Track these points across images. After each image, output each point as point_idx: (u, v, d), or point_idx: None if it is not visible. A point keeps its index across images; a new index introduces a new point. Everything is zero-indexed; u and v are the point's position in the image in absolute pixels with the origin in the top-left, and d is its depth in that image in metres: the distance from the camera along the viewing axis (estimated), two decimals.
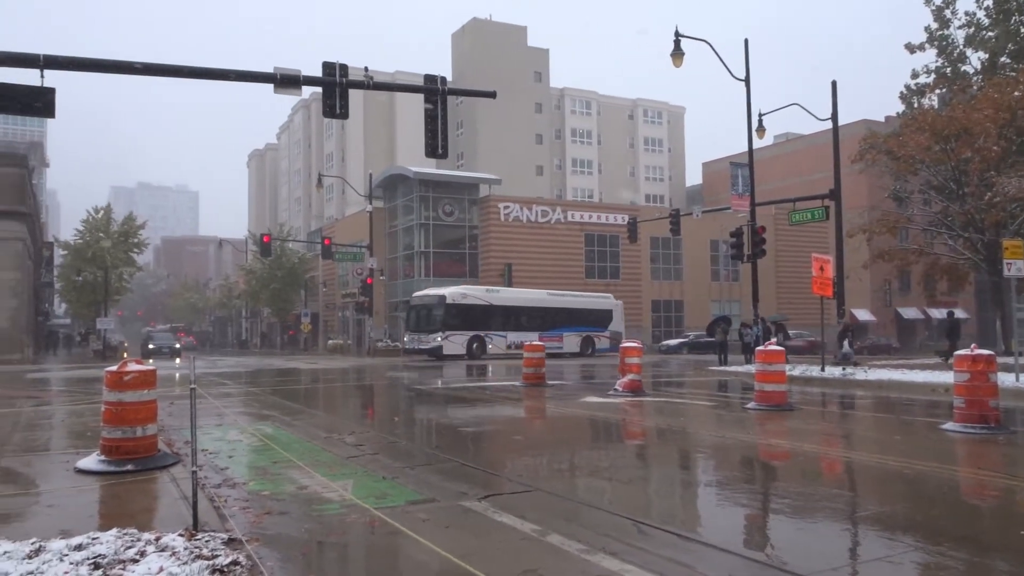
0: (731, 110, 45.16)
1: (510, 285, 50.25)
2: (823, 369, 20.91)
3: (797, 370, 20.78)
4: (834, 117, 25.84)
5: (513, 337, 37.45)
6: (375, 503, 6.08)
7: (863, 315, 57.76)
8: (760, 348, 13.75)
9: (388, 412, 14.58)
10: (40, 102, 15.29)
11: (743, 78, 25.23)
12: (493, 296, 38.55)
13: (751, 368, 20.92)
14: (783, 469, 8.50)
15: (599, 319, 42.34)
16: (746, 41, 25.48)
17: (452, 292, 36.68)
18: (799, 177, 58.37)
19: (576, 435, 11.29)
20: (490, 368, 29.16)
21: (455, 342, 35.52)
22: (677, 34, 24.13)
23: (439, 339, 35.20)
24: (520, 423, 13.32)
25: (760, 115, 27.52)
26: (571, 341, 40.22)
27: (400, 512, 5.79)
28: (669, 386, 20.14)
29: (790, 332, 37.34)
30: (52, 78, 15.15)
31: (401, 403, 16.66)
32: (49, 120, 18.83)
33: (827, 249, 32.68)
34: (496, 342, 37.33)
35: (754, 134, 26.56)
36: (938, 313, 60.59)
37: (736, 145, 58.21)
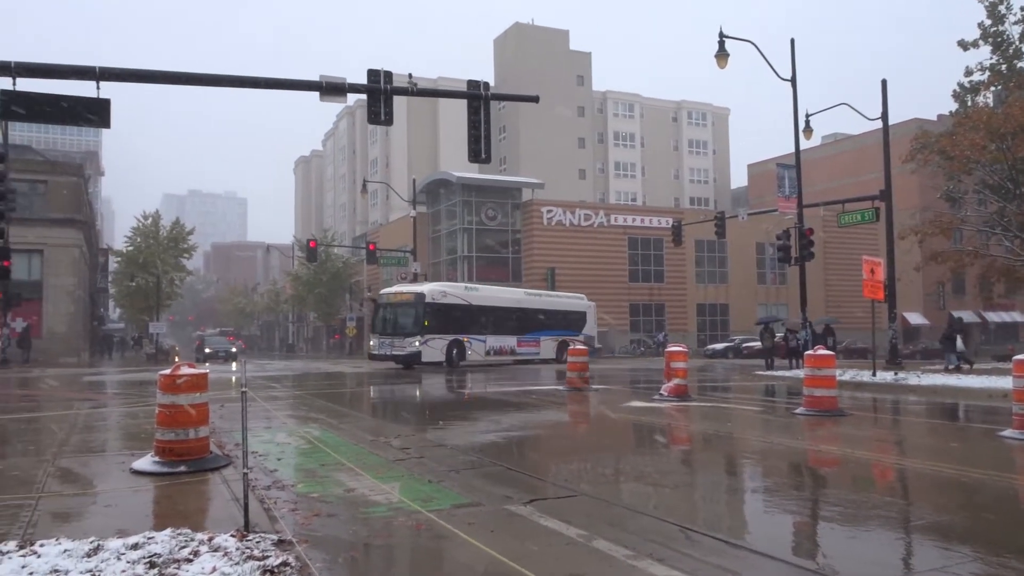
0: (777, 111, 44.75)
1: (553, 289, 50.22)
2: (874, 374, 20.47)
3: (847, 375, 20.38)
4: (884, 116, 25.31)
5: (492, 342, 33.68)
6: (421, 506, 6.12)
7: (915, 319, 56.40)
8: (809, 352, 13.50)
9: (433, 416, 14.66)
10: (96, 113, 15.77)
11: (789, 78, 24.86)
12: (472, 295, 33.96)
13: (799, 373, 20.60)
14: (833, 476, 8.33)
15: (574, 322, 38.66)
16: (792, 41, 25.12)
17: (431, 290, 31.68)
18: (848, 178, 57.30)
19: (621, 440, 11.22)
20: (497, 374, 29.10)
21: (434, 347, 30.34)
22: (721, 35, 23.88)
23: (417, 344, 29.79)
24: (564, 427, 13.29)
25: (807, 115, 27.12)
26: (547, 346, 36.39)
27: (446, 515, 5.82)
28: (715, 390, 19.89)
29: (838, 336, 36.52)
30: (106, 89, 15.63)
31: (446, 407, 16.75)
32: (104, 130, 19.50)
33: (878, 251, 31.96)
34: (475, 347, 32.75)
35: (801, 135, 26.15)
36: (995, 317, 58.88)
37: (782, 146, 57.42)
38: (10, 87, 15.22)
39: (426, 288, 31.75)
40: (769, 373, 25.03)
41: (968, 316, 56.94)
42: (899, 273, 26.00)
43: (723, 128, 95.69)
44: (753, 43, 24.57)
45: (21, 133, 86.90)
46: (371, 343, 32.27)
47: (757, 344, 37.01)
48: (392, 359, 30.57)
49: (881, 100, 25.17)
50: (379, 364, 32.67)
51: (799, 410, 12.96)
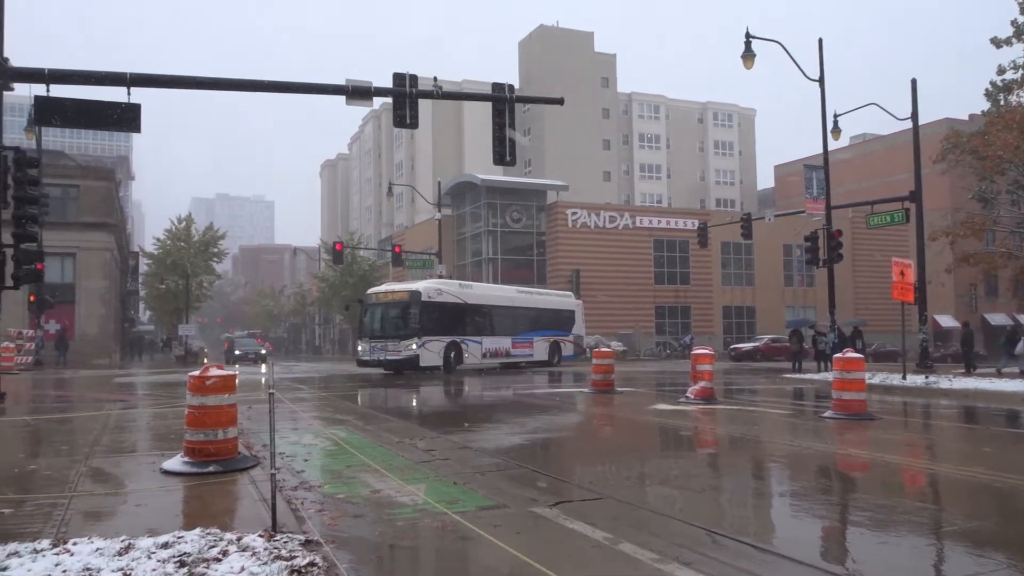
0: (804, 111, 44.17)
1: (578, 292, 50.12)
2: (904, 377, 20.18)
3: (876, 378, 20.12)
4: (914, 116, 24.95)
5: (488, 343, 30.72)
6: (447, 508, 6.13)
7: (946, 321, 55.49)
8: (838, 355, 13.35)
9: (459, 417, 14.69)
10: (127, 118, 16.02)
11: (817, 78, 24.62)
12: (467, 293, 30.87)
13: (827, 376, 20.37)
14: (863, 480, 8.23)
15: (564, 321, 36.25)
16: (820, 41, 24.88)
17: (427, 287, 28.25)
18: (877, 179, 56.61)
19: (647, 442, 11.17)
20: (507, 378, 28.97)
21: (431, 350, 27.27)
22: (748, 35, 23.71)
23: (414, 347, 26.57)
24: (589, 430, 13.26)
25: (836, 115, 26.83)
26: (540, 347, 33.73)
27: (471, 517, 5.83)
28: (741, 393, 19.73)
29: (867, 338, 36.02)
30: (136, 94, 15.87)
31: (471, 409, 16.77)
32: (134, 134, 19.86)
33: (908, 253, 31.51)
34: (472, 349, 29.69)
35: (829, 135, 25.87)
36: None
37: (810, 147, 56.86)
38: (43, 93, 15.52)
39: (421, 285, 28.29)
40: (796, 376, 24.79)
41: (1001, 319, 55.98)
42: (930, 275, 25.58)
43: (749, 129, 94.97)
44: (780, 43, 24.37)
45: (54, 139, 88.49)
46: (359, 348, 28.59)
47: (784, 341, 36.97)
48: (385, 365, 27.35)
49: (911, 99, 24.82)
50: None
51: (827, 414, 12.82)
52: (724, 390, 19.41)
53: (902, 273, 19.59)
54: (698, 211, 63.91)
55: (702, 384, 15.47)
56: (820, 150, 25.98)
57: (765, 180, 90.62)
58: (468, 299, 30.37)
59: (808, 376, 23.81)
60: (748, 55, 23.73)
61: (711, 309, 54.76)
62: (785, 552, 5.04)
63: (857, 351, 16.84)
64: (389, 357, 26.86)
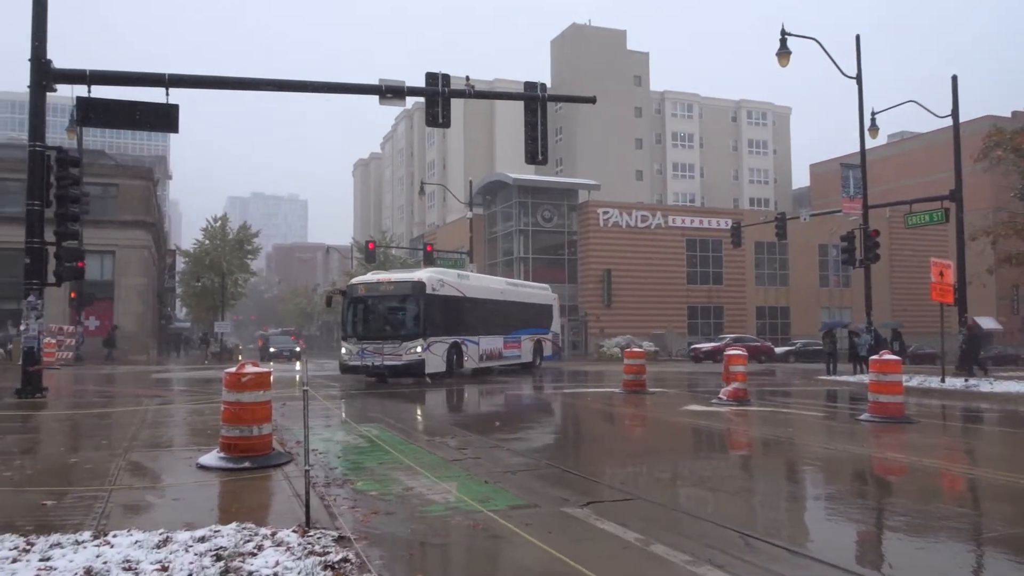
0: (841, 109, 43.54)
1: (609, 293, 49.90)
2: (943, 380, 19.81)
3: (914, 380, 19.78)
4: (954, 114, 24.48)
5: (484, 344, 26.27)
6: (478, 506, 6.15)
7: (987, 323, 54.28)
8: (875, 357, 13.15)
9: (489, 417, 14.72)
10: (165, 118, 16.33)
11: (854, 76, 24.26)
12: (466, 285, 26.19)
13: (863, 378, 20.07)
14: (900, 484, 8.09)
15: (544, 318, 32.21)
16: (857, 37, 24.52)
17: (430, 277, 23.46)
18: (916, 178, 55.61)
19: (679, 443, 11.10)
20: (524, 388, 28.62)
21: (436, 354, 22.78)
22: (783, 33, 23.44)
23: (419, 350, 21.91)
24: (621, 431, 13.21)
25: (873, 113, 26.42)
26: (526, 347, 29.69)
27: (503, 516, 5.84)
28: (775, 395, 19.51)
29: (905, 340, 35.33)
30: (174, 95, 16.16)
31: (502, 408, 16.80)
32: (172, 134, 20.18)
33: (947, 253, 30.93)
34: (470, 351, 25.23)
35: (867, 133, 25.47)
36: None
37: (846, 145, 56.01)
38: (84, 94, 15.86)
39: (424, 275, 23.43)
40: (831, 378, 24.46)
41: None
42: (970, 276, 25.07)
43: (784, 127, 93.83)
44: (817, 40, 24.05)
45: (94, 139, 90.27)
46: (343, 351, 22.87)
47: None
48: (381, 372, 22.19)
49: (951, 96, 24.34)
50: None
51: (863, 416, 12.63)
52: (757, 391, 19.22)
53: (941, 274, 19.22)
54: (731, 210, 63.30)
55: (735, 385, 15.34)
56: (857, 148, 25.62)
57: (800, 179, 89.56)
58: (467, 292, 25.72)
59: (844, 378, 23.48)
60: (783, 52, 23.46)
61: (744, 310, 54.22)
62: (820, 556, 4.97)
63: (896, 353, 16.56)
64: (388, 363, 21.73)
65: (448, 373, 23.50)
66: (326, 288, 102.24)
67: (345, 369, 22.81)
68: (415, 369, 21.89)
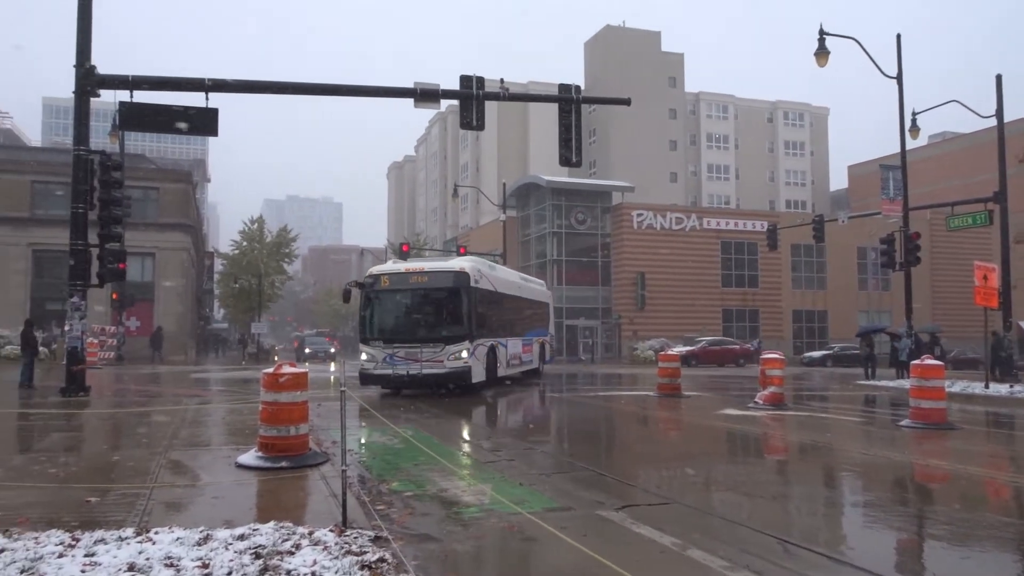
0: (881, 110, 42.75)
1: (643, 296, 49.62)
2: (987, 386, 19.37)
3: (957, 386, 19.36)
4: (999, 114, 23.94)
5: (511, 346, 22.44)
6: (513, 508, 6.15)
7: None
8: (916, 362, 12.90)
9: (523, 418, 14.72)
10: (205, 122, 16.60)
11: (895, 75, 23.84)
12: (495, 277, 21.97)
13: (903, 383, 19.70)
14: (942, 492, 7.93)
15: (544, 317, 28.61)
16: (898, 36, 24.09)
17: (472, 267, 19.34)
18: (958, 179, 54.47)
19: (715, 448, 10.99)
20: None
21: (479, 359, 18.94)
22: (822, 32, 23.11)
23: (466, 355, 18.01)
24: (656, 434, 13.12)
25: (914, 114, 25.92)
26: (535, 350, 26.04)
27: (538, 518, 5.83)
28: (812, 400, 19.24)
29: (945, 345, 34.60)
30: (212, 99, 16.42)
31: (536, 410, 16.79)
32: (211, 138, 20.45)
33: (991, 256, 30.25)
34: (500, 355, 21.12)
35: (907, 134, 25.01)
36: None
37: (886, 146, 54.98)
38: (126, 99, 16.19)
39: (465, 264, 19.55)
40: (870, 383, 24.04)
41: None
42: (1015, 280, 24.50)
43: (822, 128, 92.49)
44: (856, 40, 23.67)
45: (135, 143, 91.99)
46: (363, 356, 18.56)
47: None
48: (419, 382, 17.93)
49: (996, 96, 23.81)
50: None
51: (904, 422, 12.40)
52: (794, 396, 18.97)
53: (985, 277, 18.80)
54: (767, 213, 62.57)
55: (772, 389, 15.15)
56: (897, 149, 25.15)
57: (838, 181, 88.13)
58: (498, 286, 21.77)
59: (883, 383, 23.07)
60: (822, 52, 23.12)
61: (780, 313, 53.53)
62: (860, 564, 4.89)
63: (936, 358, 16.23)
64: (428, 370, 17.64)
65: (489, 382, 19.68)
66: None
67: (368, 379, 18.25)
68: (460, 378, 17.85)
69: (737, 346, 42.03)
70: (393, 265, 20.44)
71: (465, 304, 18.29)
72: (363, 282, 18.91)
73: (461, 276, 18.57)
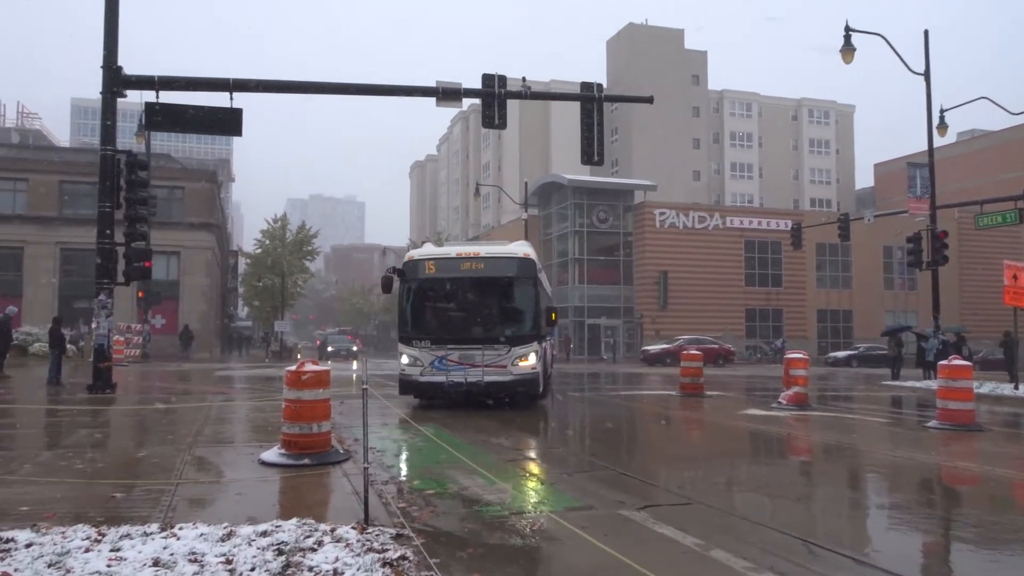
0: (907, 107, 42.16)
1: (665, 295, 49.37)
2: (1016, 387, 19.06)
3: (985, 387, 19.07)
4: None
5: (548, 349, 19.80)
6: (534, 507, 6.14)
7: None
8: (944, 362, 12.72)
9: (545, 418, 14.69)
10: (229, 122, 16.73)
11: (922, 72, 23.52)
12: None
13: (931, 384, 19.44)
14: (970, 494, 7.81)
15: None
16: (926, 32, 23.76)
17: (530, 251, 15.88)
18: (986, 177, 53.63)
19: (738, 448, 10.91)
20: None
21: (542, 361, 15.98)
22: (847, 28, 22.86)
23: (535, 359, 14.89)
24: (678, 434, 13.05)
25: (942, 111, 25.55)
26: (549, 354, 21.17)
27: (559, 517, 5.82)
28: (837, 400, 19.04)
29: (974, 346, 34.05)
30: (236, 99, 16.56)
31: (557, 409, 16.74)
32: (235, 137, 20.54)
33: (1021, 255, 29.77)
34: (548, 356, 19.59)
35: (935, 132, 24.66)
36: None
37: (912, 144, 54.26)
38: (152, 99, 16.37)
39: (528, 248, 16.02)
40: (896, 383, 23.75)
41: None
42: None
43: (847, 126, 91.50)
44: (883, 36, 23.37)
45: (161, 142, 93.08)
46: (404, 359, 15.02)
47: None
48: (477, 392, 14.56)
49: None
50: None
51: (931, 423, 12.24)
52: (819, 396, 18.79)
53: (1015, 277, 18.49)
54: (791, 211, 62.01)
55: (796, 389, 15.00)
56: (924, 147, 24.82)
57: (864, 179, 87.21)
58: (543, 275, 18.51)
59: (910, 383, 22.78)
60: (847, 49, 22.87)
61: (804, 312, 53.03)
62: (885, 566, 4.83)
63: (963, 359, 16.00)
64: (489, 378, 14.46)
65: (543, 391, 16.46)
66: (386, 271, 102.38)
67: (411, 388, 14.88)
68: (529, 387, 14.74)
69: (716, 345, 41.21)
70: (437, 249, 16.74)
71: (532, 297, 15.09)
72: (403, 269, 15.35)
73: (527, 264, 15.20)
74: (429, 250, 16.25)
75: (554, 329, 23.80)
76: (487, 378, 14.42)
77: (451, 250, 15.97)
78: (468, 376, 14.41)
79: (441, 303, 15.65)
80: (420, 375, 14.62)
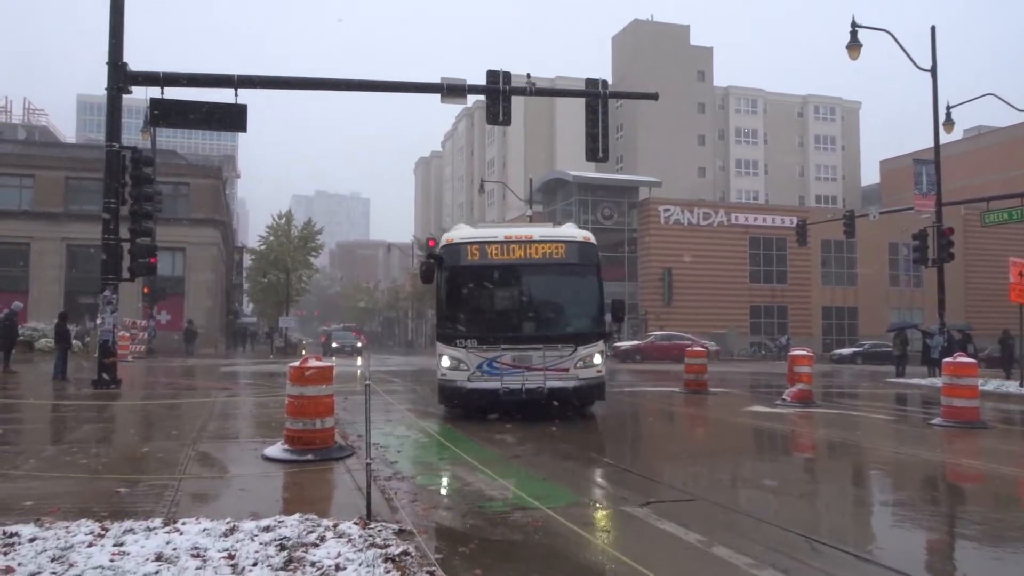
0: (914, 104, 41.97)
1: (670, 291, 49.33)
2: (1022, 385, 19.00)
3: (990, 385, 19.02)
4: None
5: None
6: (537, 503, 6.14)
7: None
8: (948, 360, 12.68)
9: (548, 414, 14.68)
10: (234, 118, 16.75)
11: (929, 68, 23.42)
12: None
13: (935, 381, 19.39)
14: (974, 492, 7.79)
15: None
16: (933, 28, 23.65)
17: (590, 234, 13.87)
18: (993, 174, 53.42)
19: (741, 445, 10.89)
20: None
21: None
22: (854, 24, 22.78)
23: (599, 360, 12.66)
24: (681, 430, 13.04)
25: (948, 107, 25.47)
26: None
27: (562, 513, 5.82)
28: (841, 397, 19.00)
29: (978, 343, 33.91)
30: (242, 96, 16.56)
31: (560, 406, 16.72)
32: (240, 133, 20.37)
33: None
34: None
35: (941, 128, 24.57)
36: None
37: (919, 141, 54.19)
38: (158, 96, 16.40)
39: (588, 233, 13.86)
40: (901, 381, 23.70)
41: None
42: None
43: (853, 123, 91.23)
44: (889, 32, 23.29)
45: (166, 139, 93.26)
46: (444, 363, 12.63)
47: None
48: (537, 400, 12.33)
49: None
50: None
51: (936, 421, 12.20)
52: (823, 393, 18.76)
53: (1021, 274, 18.43)
54: (797, 208, 61.88)
55: (800, 386, 14.98)
56: (930, 144, 24.76)
57: (869, 176, 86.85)
58: None
59: (915, 381, 22.73)
60: (854, 45, 22.79)
61: (809, 309, 52.94)
62: (888, 563, 4.82)
63: (968, 356, 15.95)
64: (553, 384, 12.18)
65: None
66: (388, 284, 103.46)
67: (454, 396, 12.46)
68: (594, 395, 12.77)
69: (688, 341, 41.06)
70: (481, 231, 14.03)
71: (597, 287, 13.00)
72: (441, 254, 12.88)
73: (589, 249, 13.15)
74: (471, 232, 13.65)
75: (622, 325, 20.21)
76: (550, 384, 12.07)
77: (498, 232, 13.45)
78: (527, 382, 12.01)
79: (490, 295, 13.27)
80: (467, 381, 12.08)
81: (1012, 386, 19.11)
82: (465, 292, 13.06)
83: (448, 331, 12.68)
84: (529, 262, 12.77)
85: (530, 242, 12.87)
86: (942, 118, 24.72)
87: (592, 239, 13.39)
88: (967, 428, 11.54)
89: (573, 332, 12.60)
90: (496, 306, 13.23)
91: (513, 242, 12.86)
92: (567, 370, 12.13)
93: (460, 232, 13.69)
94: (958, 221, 42.40)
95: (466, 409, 12.49)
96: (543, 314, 12.95)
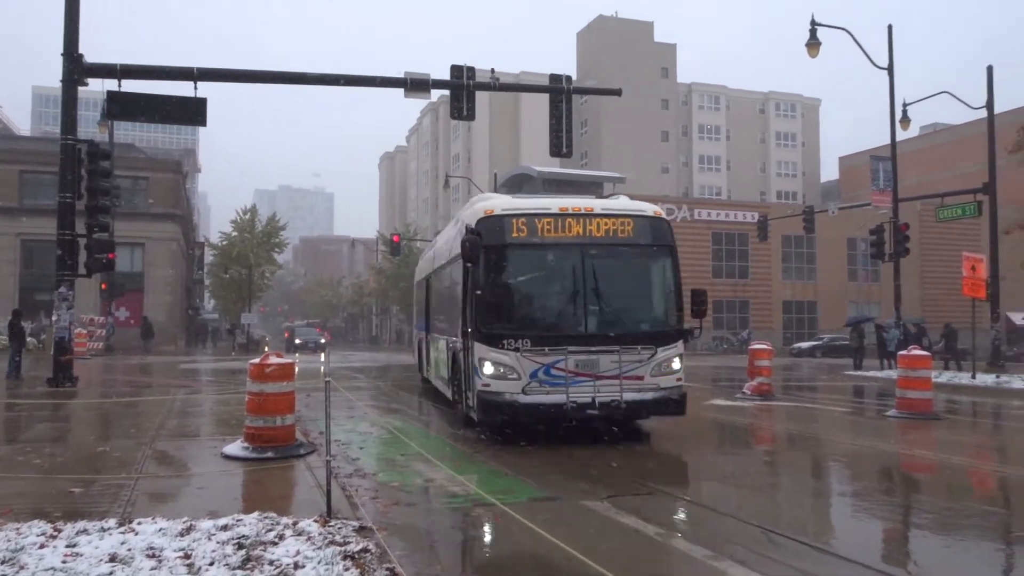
0: (872, 101, 42.69)
1: None
2: (974, 376, 19.48)
3: (943, 376, 19.47)
4: (989, 105, 24.02)
5: None
6: (499, 498, 6.15)
7: (1020, 319, 53.39)
8: (903, 352, 12.96)
9: None
10: (194, 112, 16.47)
11: (886, 67, 23.85)
12: None
13: (891, 374, 19.79)
14: (927, 482, 7.98)
15: None
16: (889, 27, 24.09)
17: (661, 209, 10.87)
18: (947, 171, 54.63)
19: (702, 439, 11.01)
20: None
21: None
22: (813, 23, 23.11)
23: (678, 365, 10.00)
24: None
25: (904, 105, 25.94)
26: None
27: (523, 508, 5.84)
28: (801, 390, 19.32)
29: (934, 336, 34.72)
30: (202, 89, 16.29)
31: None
32: (200, 128, 20.02)
33: (980, 247, 30.38)
34: None
35: (898, 125, 25.05)
36: None
37: (877, 138, 55.10)
38: (115, 88, 16.06)
39: (659, 208, 11.06)
40: (858, 373, 24.15)
41: None
42: (1003, 271, 24.58)
43: (813, 120, 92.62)
44: (847, 31, 23.67)
45: (125, 132, 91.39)
46: (486, 370, 9.32)
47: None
48: (610, 415, 9.52)
49: (986, 88, 23.87)
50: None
51: (891, 412, 12.47)
52: (782, 386, 19.04)
53: (973, 268, 18.89)
54: (758, 204, 62.67)
55: (760, 380, 15.19)
56: (887, 141, 25.20)
57: (829, 172, 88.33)
58: None
59: (872, 373, 23.19)
60: (813, 43, 23.13)
61: (770, 304, 53.70)
62: (844, 553, 4.92)
63: (924, 349, 16.32)
64: (629, 395, 9.47)
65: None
66: (352, 280, 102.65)
67: (505, 412, 9.33)
68: (676, 409, 9.94)
69: None
70: (525, 201, 11.04)
71: (674, 275, 10.41)
72: (477, 230, 9.88)
73: (662, 226, 10.56)
74: (512, 202, 10.86)
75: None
76: (627, 395, 9.44)
77: (550, 204, 10.52)
78: (598, 394, 9.37)
79: (543, 282, 10.45)
80: (519, 393, 9.26)
81: (965, 377, 19.57)
82: (512, 279, 10.20)
83: (490, 330, 9.57)
84: (591, 241, 10.03)
85: (591, 216, 10.16)
86: (899, 115, 25.19)
87: (663, 214, 10.78)
88: (921, 419, 11.81)
89: (650, 330, 10.11)
90: (553, 297, 10.29)
91: (570, 216, 10.10)
92: (642, 378, 9.61)
93: (501, 201, 10.80)
94: (914, 217, 43.24)
95: (515, 428, 9.70)
96: (614, 308, 10.05)
